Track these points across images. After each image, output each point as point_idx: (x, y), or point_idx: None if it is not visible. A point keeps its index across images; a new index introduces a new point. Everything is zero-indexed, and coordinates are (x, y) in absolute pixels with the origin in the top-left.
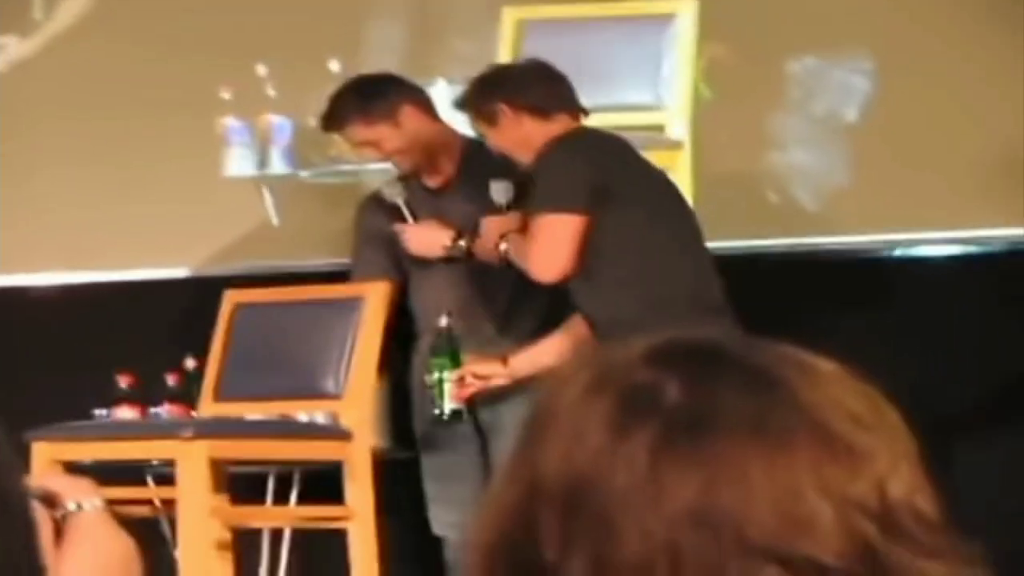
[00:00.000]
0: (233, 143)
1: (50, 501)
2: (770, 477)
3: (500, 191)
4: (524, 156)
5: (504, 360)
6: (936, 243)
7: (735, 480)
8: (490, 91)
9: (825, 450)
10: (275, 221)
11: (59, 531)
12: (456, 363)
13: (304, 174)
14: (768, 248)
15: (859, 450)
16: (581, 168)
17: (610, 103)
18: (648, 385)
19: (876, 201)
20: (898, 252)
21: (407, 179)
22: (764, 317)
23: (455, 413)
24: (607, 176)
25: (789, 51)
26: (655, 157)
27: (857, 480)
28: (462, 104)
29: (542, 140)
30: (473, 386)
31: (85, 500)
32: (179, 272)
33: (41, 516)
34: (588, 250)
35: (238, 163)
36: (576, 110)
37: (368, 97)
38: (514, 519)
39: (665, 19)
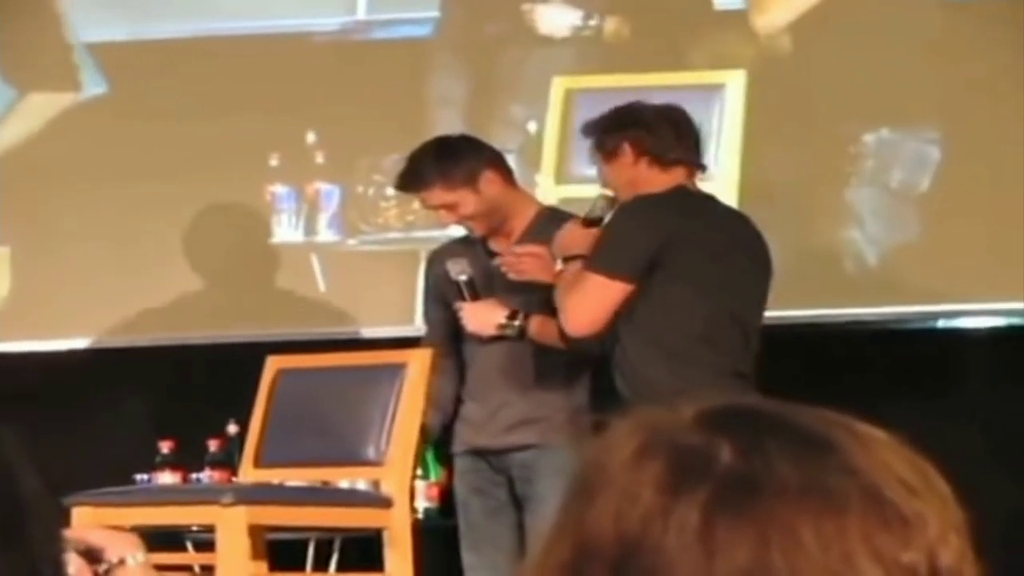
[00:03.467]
0: (281, 210)
1: (93, 556)
2: (822, 542)
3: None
4: (629, 197)
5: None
6: (986, 315)
7: (787, 544)
8: (620, 127)
9: (877, 516)
10: (322, 288)
11: None
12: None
13: (352, 242)
14: (821, 318)
15: (910, 517)
16: (645, 235)
17: None
18: (700, 448)
19: (930, 272)
20: (942, 323)
21: (472, 241)
22: (818, 388)
23: None
24: (667, 247)
25: (839, 123)
26: None
27: (908, 547)
28: (589, 131)
29: (649, 187)
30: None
31: (128, 554)
32: (225, 337)
33: (81, 570)
34: (625, 311)
35: (286, 230)
36: (695, 165)
37: (450, 160)
38: None
39: (714, 89)
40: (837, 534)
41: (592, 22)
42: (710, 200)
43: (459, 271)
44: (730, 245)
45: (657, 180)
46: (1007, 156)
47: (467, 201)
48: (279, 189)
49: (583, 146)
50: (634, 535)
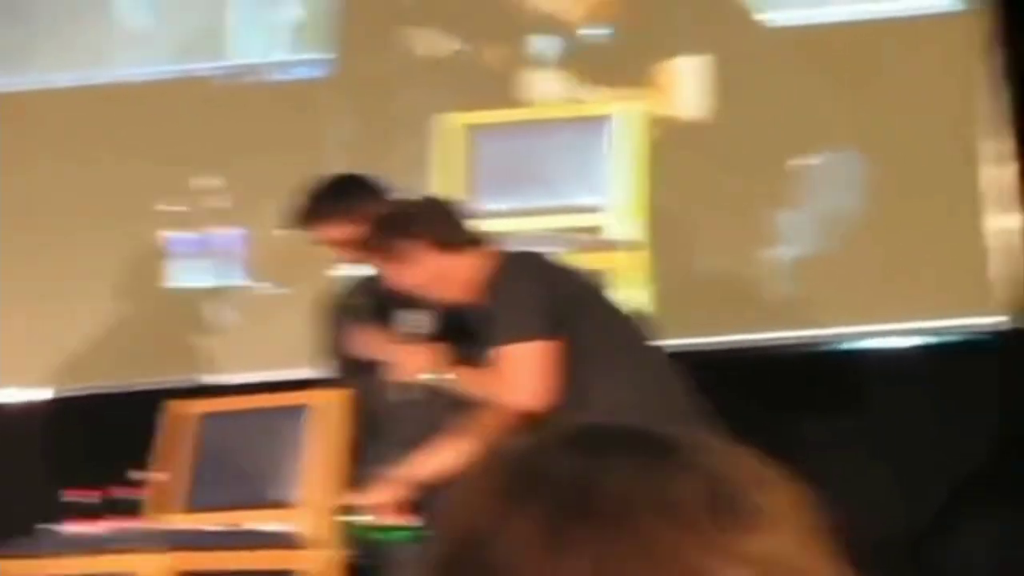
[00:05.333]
0: (180, 254)
1: None
2: (665, 542)
3: (417, 320)
4: (438, 292)
5: (391, 478)
6: (893, 334)
7: (630, 547)
8: (398, 231)
9: (720, 508)
10: (223, 332)
11: None
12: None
13: (253, 285)
14: (721, 344)
15: (766, 512)
16: (538, 294)
17: (557, 205)
18: (542, 460)
19: (831, 295)
20: (845, 345)
21: (372, 281)
22: (727, 414)
23: (392, 529)
24: (559, 295)
25: (748, 152)
26: (599, 259)
27: (753, 538)
28: (362, 243)
29: (460, 274)
30: (388, 511)
31: None
32: (126, 385)
33: None
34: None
35: (187, 274)
36: (483, 239)
37: (345, 196)
38: None
39: (603, 120)
40: (678, 529)
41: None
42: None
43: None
44: (595, 286)
45: (465, 263)
46: (926, 177)
47: (361, 236)
48: (181, 234)
49: (481, 183)
50: (475, 544)
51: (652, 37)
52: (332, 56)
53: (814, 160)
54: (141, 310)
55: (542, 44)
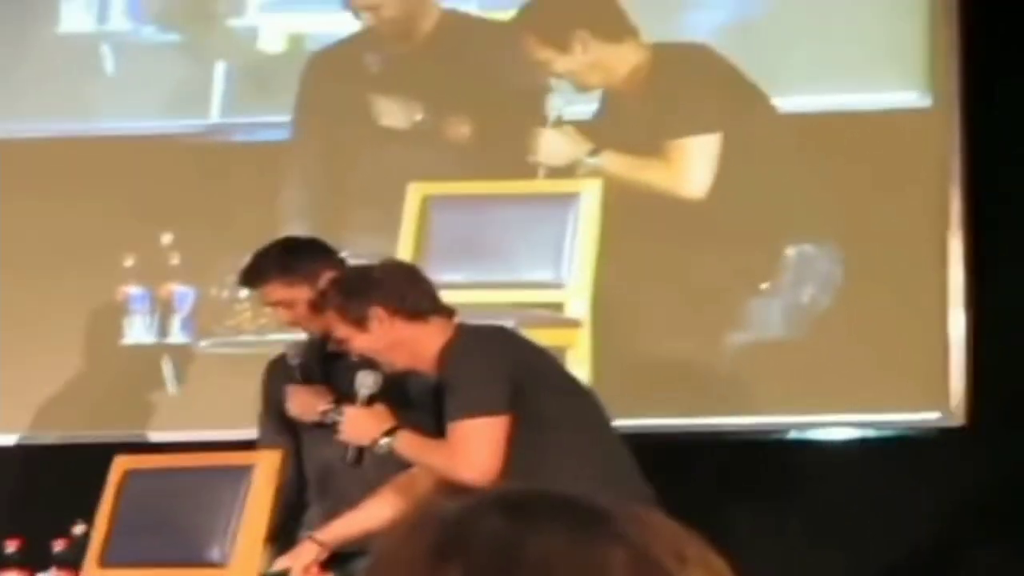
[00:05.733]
0: (134, 311)
1: None
2: None
3: (367, 382)
4: (396, 360)
5: (314, 540)
6: (833, 425)
7: None
8: (362, 295)
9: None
10: (173, 390)
11: None
12: None
13: (203, 344)
14: (665, 427)
15: None
16: (494, 368)
17: (512, 280)
18: (468, 521)
19: (772, 384)
20: (794, 435)
21: (314, 341)
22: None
23: None
24: (518, 371)
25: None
26: (554, 335)
27: None
28: (322, 306)
29: (422, 344)
30: (310, 572)
31: None
32: (75, 438)
33: None
34: (511, 447)
35: (138, 330)
36: (445, 309)
37: (292, 258)
38: None
39: (568, 198)
40: None
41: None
42: (504, 327)
43: (295, 355)
44: (552, 362)
45: (423, 333)
46: (892, 272)
47: (304, 299)
48: (132, 290)
49: (440, 251)
50: None
51: (665, 111)
52: (296, 119)
53: (792, 247)
54: (99, 364)
55: (557, 103)
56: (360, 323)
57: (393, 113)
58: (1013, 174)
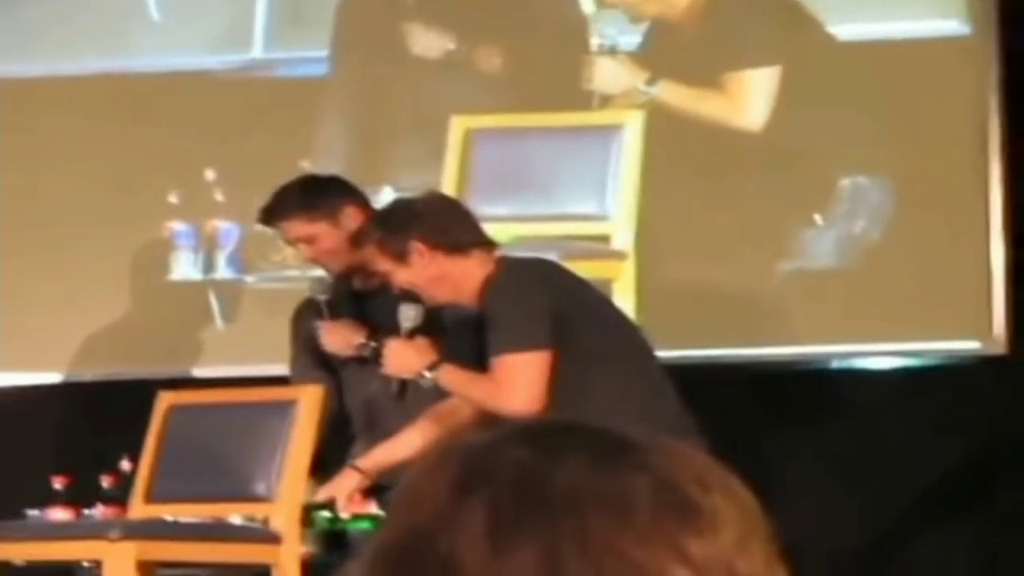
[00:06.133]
0: (180, 247)
1: None
2: (610, 535)
3: (409, 315)
4: (438, 294)
5: (355, 468)
6: (874, 355)
7: (575, 540)
8: (402, 229)
9: (669, 507)
10: (220, 325)
11: None
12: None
13: (249, 279)
14: (711, 358)
15: (706, 510)
16: (538, 303)
17: (556, 213)
18: (492, 452)
19: (818, 314)
20: (836, 364)
21: (337, 280)
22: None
23: (354, 518)
24: (561, 305)
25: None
26: (599, 267)
27: (702, 539)
28: (362, 241)
29: (463, 278)
30: (352, 501)
31: None
32: (122, 374)
33: None
34: (555, 380)
35: (184, 267)
36: (487, 242)
37: (313, 194)
38: None
39: (612, 130)
40: (621, 525)
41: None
42: (548, 260)
43: (319, 290)
44: (595, 294)
45: (465, 267)
46: (935, 200)
47: (326, 235)
48: (178, 226)
49: (483, 185)
50: (426, 532)
51: (720, 42)
52: (332, 54)
53: (845, 179)
54: (145, 301)
55: (610, 31)
56: (401, 257)
57: (426, 42)
58: None
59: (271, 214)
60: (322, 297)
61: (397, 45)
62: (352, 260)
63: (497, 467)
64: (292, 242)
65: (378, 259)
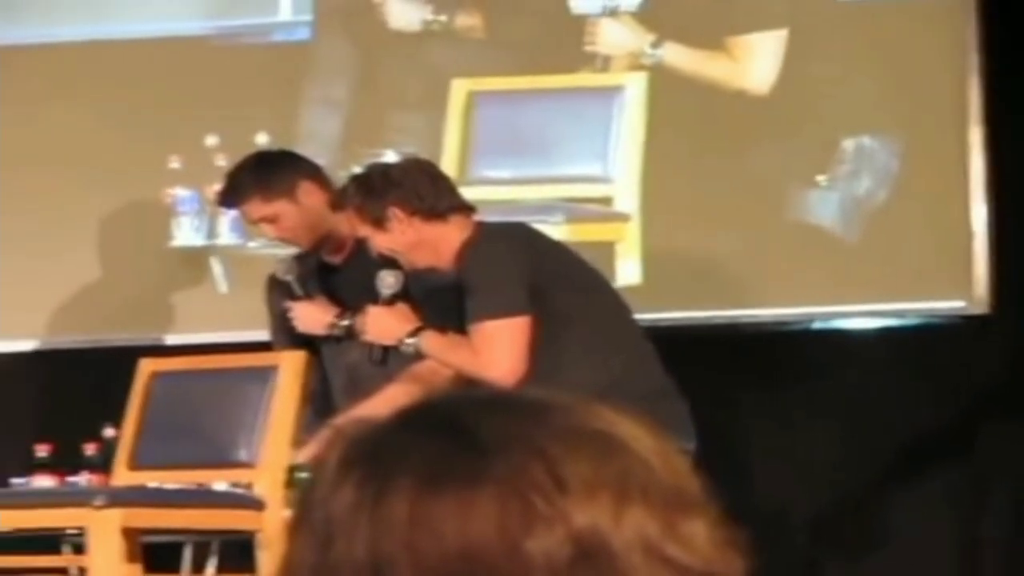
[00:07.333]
0: (182, 212)
1: None
2: (456, 520)
3: (388, 282)
4: (416, 259)
5: (334, 428)
6: (855, 316)
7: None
8: (379, 194)
9: (539, 475)
10: (223, 290)
11: None
12: None
13: (252, 244)
14: (708, 320)
15: (569, 482)
16: (516, 268)
17: (558, 175)
18: (370, 436)
19: (804, 275)
20: (819, 325)
21: (306, 255)
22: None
23: None
24: (538, 270)
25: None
26: (602, 230)
27: (570, 504)
28: (339, 206)
29: (442, 243)
30: None
31: None
32: (108, 340)
33: None
34: (533, 344)
35: (186, 232)
36: (466, 207)
37: (267, 173)
38: None
39: (613, 91)
40: (471, 510)
41: (443, 18)
42: (524, 224)
43: (285, 270)
44: (573, 258)
45: (443, 232)
46: (923, 161)
47: (286, 212)
48: (180, 192)
49: (485, 148)
50: (317, 500)
51: (728, 4)
52: (326, 17)
53: (849, 140)
54: (145, 267)
55: None
56: (379, 223)
57: (403, 15)
58: None
59: (228, 198)
60: (289, 277)
61: (377, 13)
62: (318, 234)
63: (372, 447)
64: (254, 222)
65: (357, 224)
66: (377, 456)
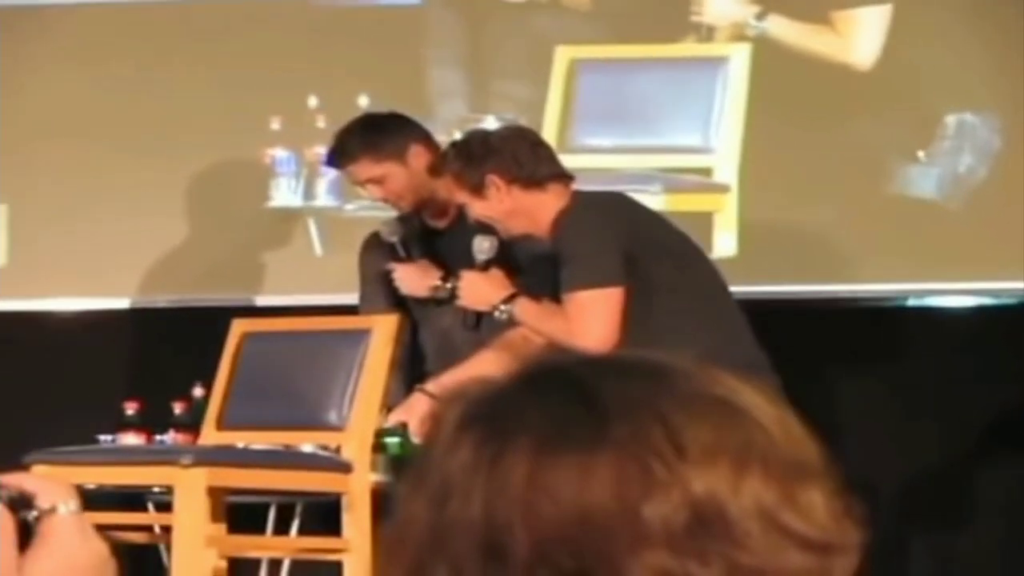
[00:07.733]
0: (280, 173)
1: (23, 502)
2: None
3: (484, 247)
4: (514, 227)
5: (424, 392)
6: (951, 294)
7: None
8: (478, 162)
9: (654, 440)
10: (319, 252)
11: (29, 533)
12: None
13: (350, 207)
14: (802, 294)
15: (688, 447)
16: (611, 238)
17: (659, 144)
18: (487, 396)
19: (901, 250)
20: (913, 302)
21: (409, 218)
22: (797, 364)
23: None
24: (633, 240)
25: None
26: (701, 200)
27: (687, 469)
28: (438, 172)
29: (539, 211)
30: (421, 428)
31: (60, 502)
32: (200, 300)
33: (4, 517)
34: (626, 315)
35: (284, 193)
36: (564, 175)
37: (378, 134)
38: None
39: (717, 62)
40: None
41: None
42: (622, 194)
43: (390, 232)
44: (668, 228)
45: (541, 200)
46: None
47: (395, 174)
48: (279, 153)
49: (587, 116)
50: (435, 457)
51: None
52: None
53: (951, 115)
54: (243, 226)
55: None
56: (477, 190)
57: None
58: None
59: (338, 158)
60: (393, 238)
61: None
62: (422, 197)
63: (491, 407)
64: (361, 183)
65: (455, 191)
66: (496, 416)
